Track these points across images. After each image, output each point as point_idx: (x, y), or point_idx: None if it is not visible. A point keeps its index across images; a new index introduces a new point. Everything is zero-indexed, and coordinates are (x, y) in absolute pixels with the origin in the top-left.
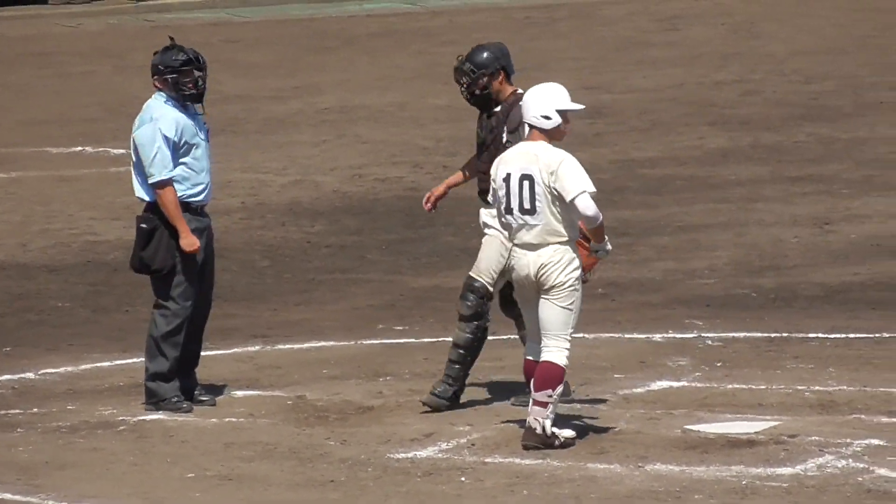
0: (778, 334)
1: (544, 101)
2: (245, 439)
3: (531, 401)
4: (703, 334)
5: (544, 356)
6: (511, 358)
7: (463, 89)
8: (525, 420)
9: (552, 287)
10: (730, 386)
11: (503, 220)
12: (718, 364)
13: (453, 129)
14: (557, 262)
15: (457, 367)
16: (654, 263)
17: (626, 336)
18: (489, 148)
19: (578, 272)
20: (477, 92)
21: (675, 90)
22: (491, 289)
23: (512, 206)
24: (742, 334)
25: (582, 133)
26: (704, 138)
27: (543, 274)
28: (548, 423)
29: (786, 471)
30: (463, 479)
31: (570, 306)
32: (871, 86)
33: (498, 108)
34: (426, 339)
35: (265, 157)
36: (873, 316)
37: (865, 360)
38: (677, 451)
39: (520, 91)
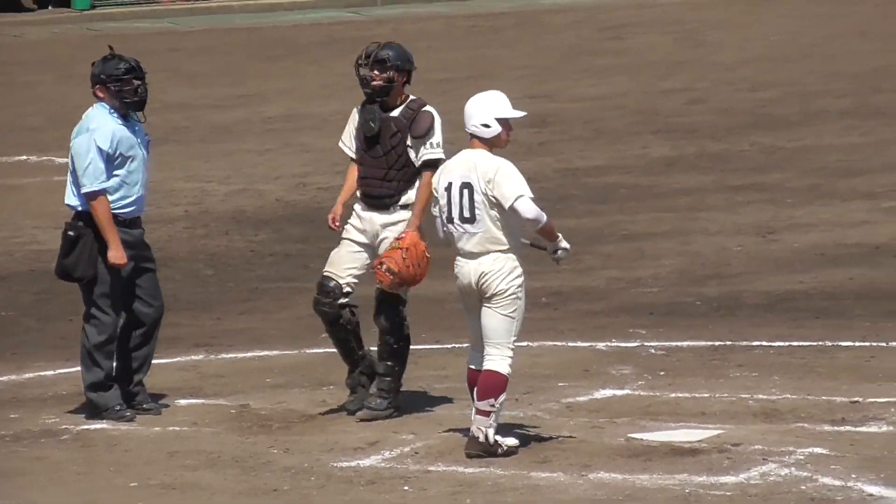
0: (722, 343)
1: (484, 109)
2: (189, 448)
3: (473, 409)
4: (646, 343)
5: (487, 365)
6: (454, 367)
7: (372, 77)
8: (468, 429)
9: (493, 295)
10: (673, 394)
11: (445, 229)
12: (662, 373)
13: None
14: (498, 271)
15: (388, 379)
16: (598, 272)
17: (570, 345)
18: (385, 147)
19: (520, 280)
20: (384, 84)
21: (620, 99)
22: (347, 288)
23: (453, 216)
24: (686, 343)
25: (527, 142)
26: (649, 147)
27: (484, 282)
28: (490, 431)
29: (729, 479)
30: (406, 487)
31: (512, 314)
32: (817, 94)
33: (397, 112)
34: (369, 348)
35: (209, 165)
36: (817, 325)
37: (809, 368)
38: (621, 459)
39: (413, 97)
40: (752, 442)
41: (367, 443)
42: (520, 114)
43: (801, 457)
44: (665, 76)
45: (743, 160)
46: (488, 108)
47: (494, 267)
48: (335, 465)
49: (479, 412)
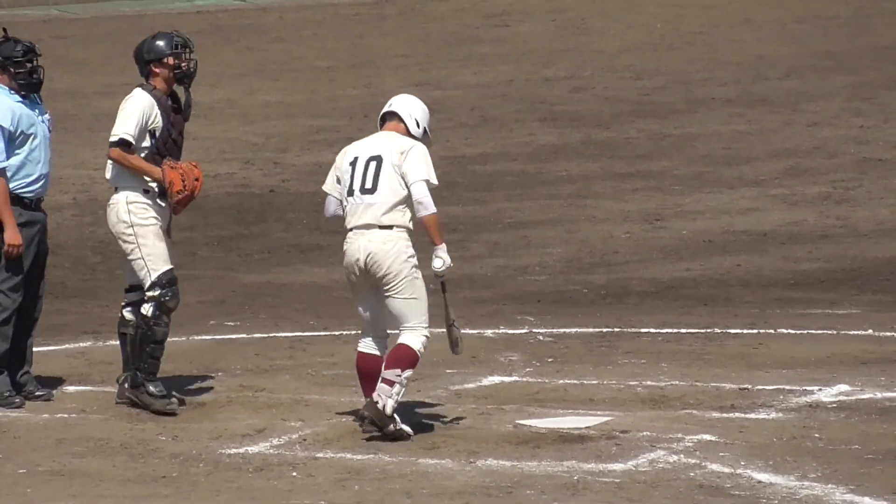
0: (609, 330)
1: (425, 113)
2: (77, 435)
3: (381, 379)
4: (534, 330)
5: (400, 339)
6: (342, 354)
7: (192, 60)
8: (356, 414)
9: (385, 278)
10: (561, 381)
11: (344, 203)
12: (550, 359)
13: (284, 126)
14: (388, 252)
15: (156, 361)
16: (484, 260)
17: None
18: (176, 141)
19: (413, 261)
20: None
21: (504, 86)
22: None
23: (354, 188)
24: (573, 330)
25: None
26: (535, 134)
27: (373, 263)
28: (390, 402)
29: (617, 466)
30: (294, 474)
31: (413, 296)
32: (701, 82)
33: (183, 100)
34: (257, 335)
35: (96, 153)
36: (704, 312)
37: (696, 355)
38: (509, 446)
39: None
40: (641, 429)
41: (255, 430)
42: (431, 140)
43: (690, 444)
44: (548, 64)
45: (629, 147)
46: (425, 115)
47: (385, 247)
48: (223, 451)
49: (383, 380)
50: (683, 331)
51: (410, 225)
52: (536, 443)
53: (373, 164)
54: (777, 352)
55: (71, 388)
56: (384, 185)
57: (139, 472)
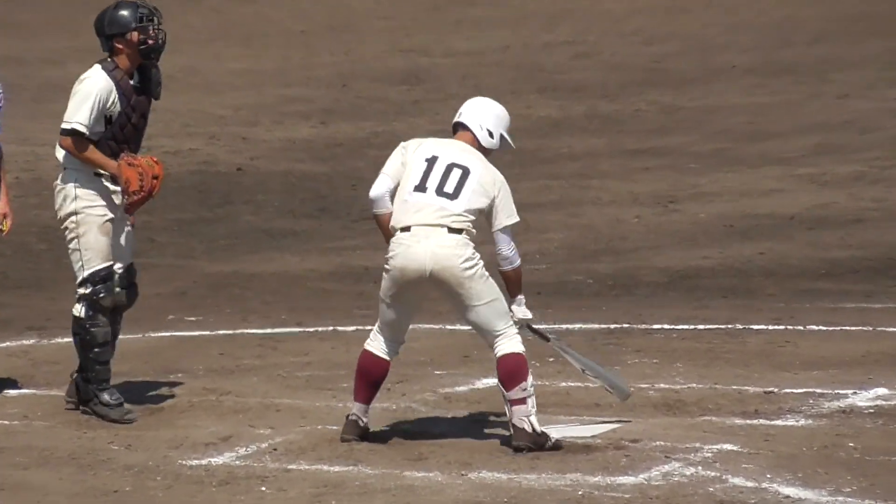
0: (617, 325)
1: (500, 119)
2: (19, 444)
3: (507, 402)
4: (533, 326)
5: (499, 351)
6: (317, 352)
7: (160, 33)
8: (336, 422)
9: (460, 285)
10: (563, 384)
11: (405, 197)
12: (550, 359)
13: (253, 96)
14: (461, 256)
15: (105, 366)
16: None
17: (448, 328)
18: (137, 125)
19: (482, 263)
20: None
21: (499, 54)
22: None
23: (427, 186)
24: (577, 325)
25: (398, 101)
26: (533, 107)
27: (442, 268)
28: (534, 419)
29: (627, 480)
30: (263, 488)
31: (494, 297)
32: (719, 48)
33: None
34: (222, 332)
35: (42, 127)
36: (724, 305)
37: (716, 354)
38: (505, 457)
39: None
40: (653, 437)
41: (219, 438)
42: (513, 145)
43: (709, 454)
44: (548, 27)
45: (639, 121)
46: (501, 121)
47: (458, 252)
48: (184, 462)
49: (513, 402)
50: (700, 327)
51: (475, 233)
52: (536, 453)
53: (456, 172)
54: (806, 350)
55: (12, 392)
56: (467, 196)
57: (88, 485)
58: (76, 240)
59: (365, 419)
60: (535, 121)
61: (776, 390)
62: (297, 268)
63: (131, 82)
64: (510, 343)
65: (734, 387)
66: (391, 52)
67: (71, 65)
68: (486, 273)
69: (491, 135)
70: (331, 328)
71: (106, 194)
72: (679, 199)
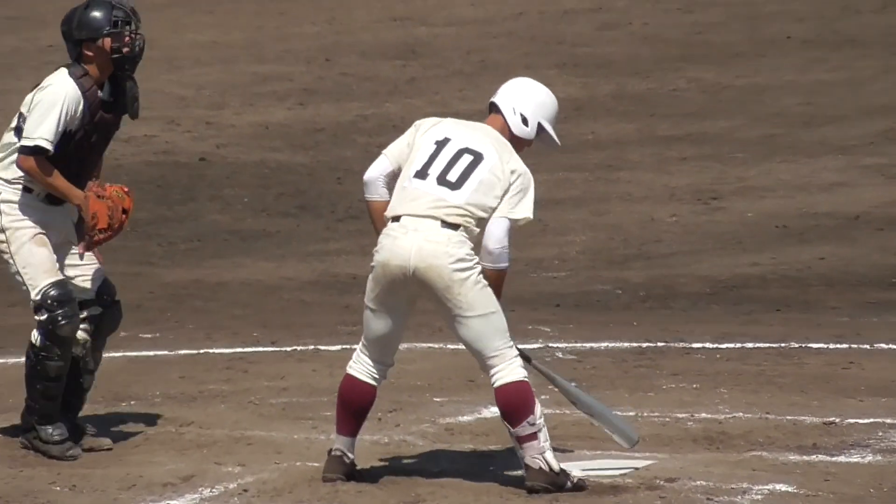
0: (651, 344)
1: (538, 105)
2: None
3: (515, 439)
4: (551, 344)
5: (497, 381)
6: (295, 376)
7: (138, 39)
8: (318, 458)
9: (447, 289)
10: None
11: (405, 183)
12: (572, 384)
13: (220, 73)
14: (451, 255)
15: (51, 402)
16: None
17: (449, 347)
18: (96, 146)
19: (479, 268)
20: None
21: (511, 22)
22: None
23: (429, 172)
24: (603, 344)
25: (391, 78)
26: (552, 85)
27: (426, 265)
28: (549, 455)
29: None
30: None
31: (490, 309)
32: (770, 17)
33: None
34: (183, 352)
35: None
36: (776, 320)
37: (767, 378)
38: (518, 499)
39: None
40: (693, 476)
41: (179, 477)
42: (557, 141)
43: (759, 496)
44: None
45: (676, 103)
46: (542, 108)
47: (447, 249)
48: None
49: (522, 439)
50: (749, 345)
51: (476, 232)
52: (555, 495)
53: (466, 158)
54: (873, 374)
55: None
56: (472, 187)
57: None
58: (10, 259)
59: (351, 455)
60: None
61: (838, 420)
62: (271, 276)
63: (100, 94)
64: (509, 369)
65: (788, 417)
66: (383, 21)
67: (3, 36)
68: (484, 281)
69: (525, 122)
70: (311, 347)
71: (37, 210)
72: (723, 195)
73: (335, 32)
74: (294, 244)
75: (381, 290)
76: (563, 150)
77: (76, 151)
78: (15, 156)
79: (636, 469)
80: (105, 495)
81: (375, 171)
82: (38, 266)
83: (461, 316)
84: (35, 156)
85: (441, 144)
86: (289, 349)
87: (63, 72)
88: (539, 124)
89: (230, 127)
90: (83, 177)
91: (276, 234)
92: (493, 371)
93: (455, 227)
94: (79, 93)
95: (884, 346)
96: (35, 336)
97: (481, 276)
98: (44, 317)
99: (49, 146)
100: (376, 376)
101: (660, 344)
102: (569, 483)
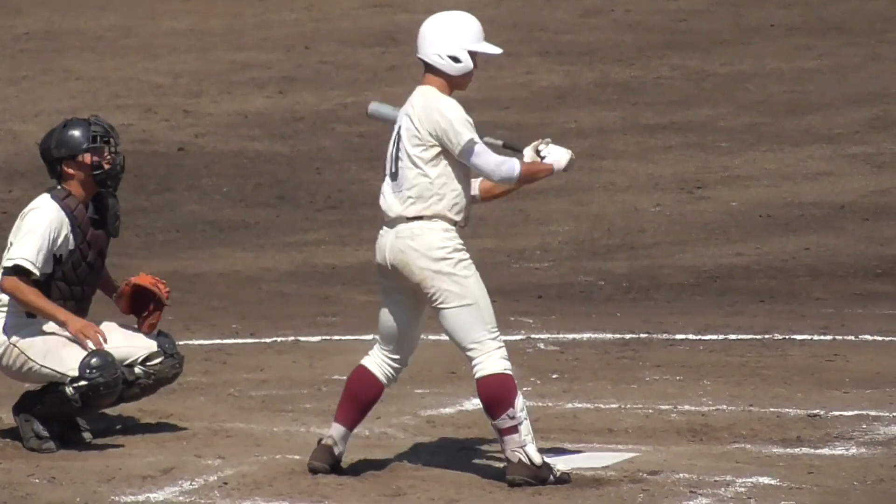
0: (634, 335)
1: (453, 36)
2: None
3: (497, 432)
4: (533, 336)
5: (477, 373)
6: (275, 368)
7: (118, 156)
8: (301, 451)
9: (421, 282)
10: (570, 405)
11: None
12: (554, 375)
13: (198, 61)
14: (419, 249)
15: (54, 413)
16: (467, 241)
17: (431, 338)
18: (93, 265)
19: (457, 255)
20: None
21: (492, 9)
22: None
23: (385, 170)
24: (585, 335)
25: (371, 66)
26: (533, 73)
27: (404, 266)
28: (531, 449)
29: None
30: None
31: (464, 301)
32: (755, 3)
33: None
34: None
35: None
36: (761, 311)
37: (751, 370)
38: (499, 493)
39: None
40: (676, 469)
41: (159, 470)
42: (497, 50)
43: (742, 489)
44: None
45: (659, 90)
46: (459, 36)
47: (412, 244)
48: (116, 499)
49: (503, 432)
50: (732, 337)
51: (451, 213)
52: (536, 488)
53: (397, 140)
54: (858, 365)
55: None
56: (405, 166)
57: None
58: (33, 363)
59: (341, 447)
60: (535, 90)
61: (822, 413)
62: (250, 267)
63: (87, 214)
64: (489, 361)
65: (772, 409)
66: (363, 8)
67: None
68: (464, 270)
69: (457, 59)
70: (291, 339)
71: (32, 321)
72: (707, 184)
73: (314, 19)
74: (273, 234)
75: (380, 281)
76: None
77: (75, 272)
78: None
79: (619, 462)
80: (84, 487)
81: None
82: (55, 348)
83: (438, 307)
84: (16, 275)
85: (392, 136)
86: (268, 341)
87: (45, 196)
88: (469, 52)
89: (208, 115)
90: (86, 298)
91: (255, 225)
92: (473, 362)
93: (418, 217)
94: (63, 215)
95: (869, 337)
96: (70, 391)
97: (459, 265)
98: (83, 384)
99: (30, 266)
100: (389, 374)
101: (643, 335)
102: (551, 476)
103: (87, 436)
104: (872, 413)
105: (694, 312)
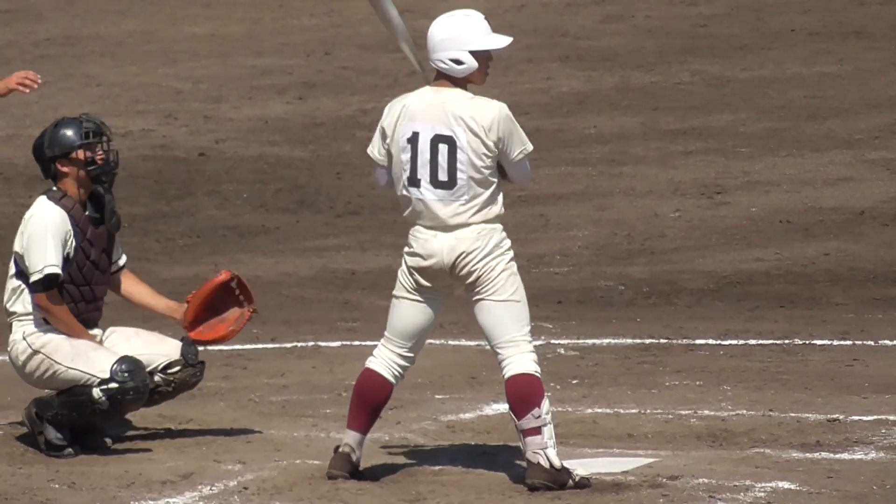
0: (654, 340)
1: (454, 39)
2: None
3: (520, 433)
4: (553, 341)
5: (507, 371)
6: (295, 373)
7: (111, 152)
8: (321, 455)
9: (479, 278)
10: (589, 410)
11: (404, 192)
12: (574, 381)
13: (218, 67)
14: (483, 249)
15: (72, 419)
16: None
17: (451, 343)
18: (98, 263)
19: (510, 254)
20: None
21: (513, 14)
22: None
23: (418, 177)
24: (606, 340)
25: (391, 72)
26: (553, 79)
27: (464, 265)
28: (552, 452)
29: None
30: None
31: (513, 297)
32: (775, 8)
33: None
34: None
35: None
36: (781, 316)
37: (771, 375)
38: (519, 497)
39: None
40: (696, 474)
41: (178, 475)
42: (503, 42)
43: (762, 493)
44: None
45: (680, 96)
46: (459, 39)
47: (478, 244)
48: None
49: (526, 433)
50: (752, 342)
51: (501, 214)
52: (556, 493)
53: (443, 148)
54: (878, 370)
55: None
56: (464, 176)
57: None
58: (59, 368)
59: (358, 452)
60: (555, 96)
61: (842, 418)
62: (270, 272)
63: (86, 213)
64: (521, 360)
65: (792, 414)
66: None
67: None
68: (514, 268)
69: (459, 62)
70: (311, 344)
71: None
72: (727, 190)
73: (334, 25)
74: (293, 240)
75: (416, 281)
76: (566, 144)
77: (80, 271)
78: (25, 293)
79: (639, 467)
80: (104, 493)
81: (382, 181)
82: (84, 352)
83: (486, 298)
84: (49, 290)
85: (413, 142)
86: (288, 346)
87: (41, 199)
88: (472, 53)
89: (228, 121)
90: (97, 298)
91: (275, 230)
92: (504, 360)
93: (467, 225)
94: (63, 213)
95: (889, 342)
96: (97, 394)
97: (512, 263)
98: (113, 386)
99: (58, 270)
100: (396, 373)
101: (663, 340)
102: (571, 481)
103: (107, 441)
104: (892, 418)
105: (714, 318)
